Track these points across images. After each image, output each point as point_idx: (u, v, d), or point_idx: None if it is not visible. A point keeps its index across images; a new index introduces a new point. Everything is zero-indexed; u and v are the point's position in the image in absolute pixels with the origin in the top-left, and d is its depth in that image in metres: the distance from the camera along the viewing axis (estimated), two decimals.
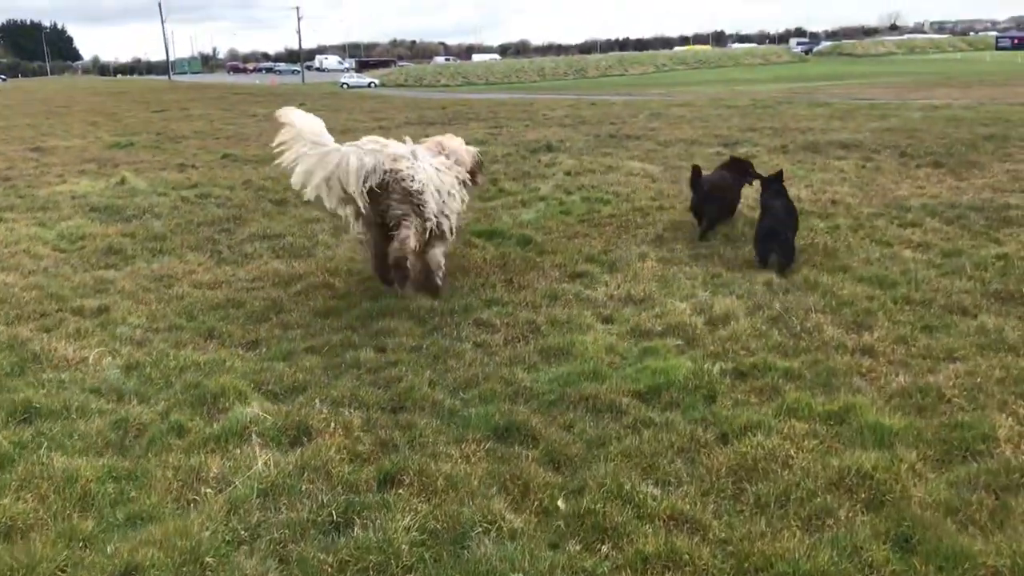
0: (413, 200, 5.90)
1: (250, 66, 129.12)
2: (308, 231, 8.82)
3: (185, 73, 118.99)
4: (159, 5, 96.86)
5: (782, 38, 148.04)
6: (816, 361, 4.83)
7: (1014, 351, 4.87)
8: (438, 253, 6.28)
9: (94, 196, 11.21)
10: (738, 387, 4.57)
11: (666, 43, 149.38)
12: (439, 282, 6.30)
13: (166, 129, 22.64)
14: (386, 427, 4.22)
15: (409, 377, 4.84)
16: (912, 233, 7.76)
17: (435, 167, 6.21)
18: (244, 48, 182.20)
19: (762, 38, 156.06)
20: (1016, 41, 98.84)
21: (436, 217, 6.07)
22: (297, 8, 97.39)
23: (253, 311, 6.19)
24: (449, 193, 6.25)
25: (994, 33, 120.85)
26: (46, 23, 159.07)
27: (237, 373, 4.92)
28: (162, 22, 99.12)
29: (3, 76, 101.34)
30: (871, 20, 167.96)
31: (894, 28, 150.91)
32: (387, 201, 5.92)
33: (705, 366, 4.76)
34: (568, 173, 12.21)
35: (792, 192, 9.88)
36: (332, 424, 4.20)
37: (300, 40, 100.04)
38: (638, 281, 6.60)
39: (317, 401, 4.53)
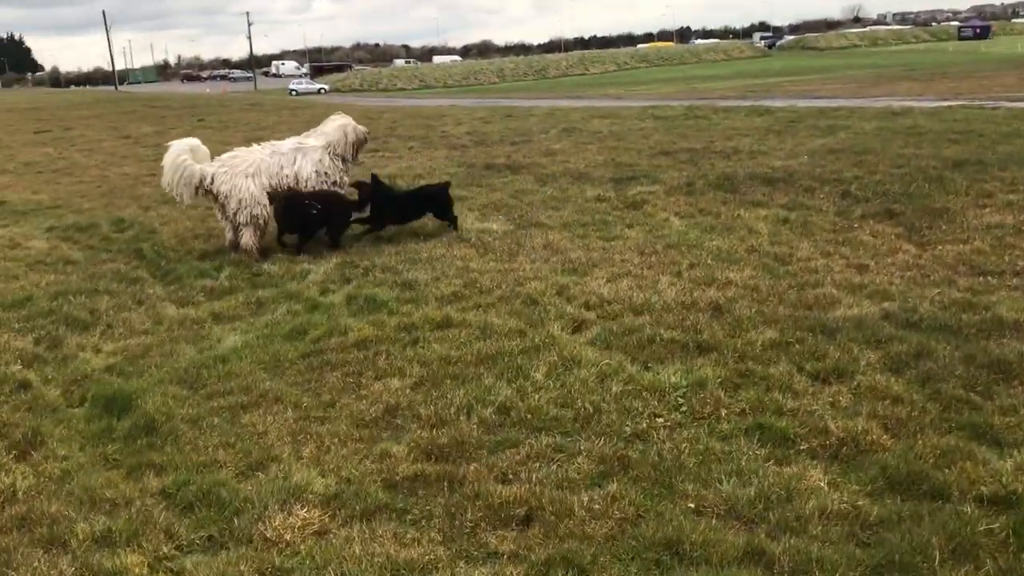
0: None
1: (204, 74, 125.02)
2: None
3: (139, 82, 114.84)
4: (103, 13, 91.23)
5: (746, 33, 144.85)
6: None
7: None
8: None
9: None
10: None
11: (631, 40, 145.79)
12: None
13: None
14: None
15: None
16: (837, 399, 4.17)
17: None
18: (207, 55, 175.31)
19: (726, 33, 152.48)
20: (977, 31, 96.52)
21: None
22: (247, 13, 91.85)
23: None
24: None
25: (955, 23, 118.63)
26: (4, 35, 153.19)
27: None
28: (107, 31, 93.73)
29: None
30: (835, 13, 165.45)
31: (857, 20, 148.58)
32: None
33: None
34: (377, 239, 8.63)
35: (662, 284, 6.29)
36: None
37: (251, 46, 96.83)
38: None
39: None
